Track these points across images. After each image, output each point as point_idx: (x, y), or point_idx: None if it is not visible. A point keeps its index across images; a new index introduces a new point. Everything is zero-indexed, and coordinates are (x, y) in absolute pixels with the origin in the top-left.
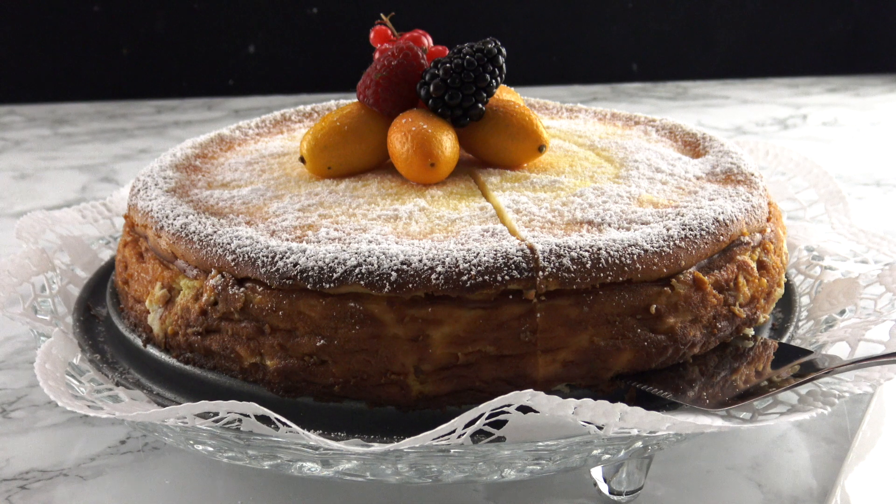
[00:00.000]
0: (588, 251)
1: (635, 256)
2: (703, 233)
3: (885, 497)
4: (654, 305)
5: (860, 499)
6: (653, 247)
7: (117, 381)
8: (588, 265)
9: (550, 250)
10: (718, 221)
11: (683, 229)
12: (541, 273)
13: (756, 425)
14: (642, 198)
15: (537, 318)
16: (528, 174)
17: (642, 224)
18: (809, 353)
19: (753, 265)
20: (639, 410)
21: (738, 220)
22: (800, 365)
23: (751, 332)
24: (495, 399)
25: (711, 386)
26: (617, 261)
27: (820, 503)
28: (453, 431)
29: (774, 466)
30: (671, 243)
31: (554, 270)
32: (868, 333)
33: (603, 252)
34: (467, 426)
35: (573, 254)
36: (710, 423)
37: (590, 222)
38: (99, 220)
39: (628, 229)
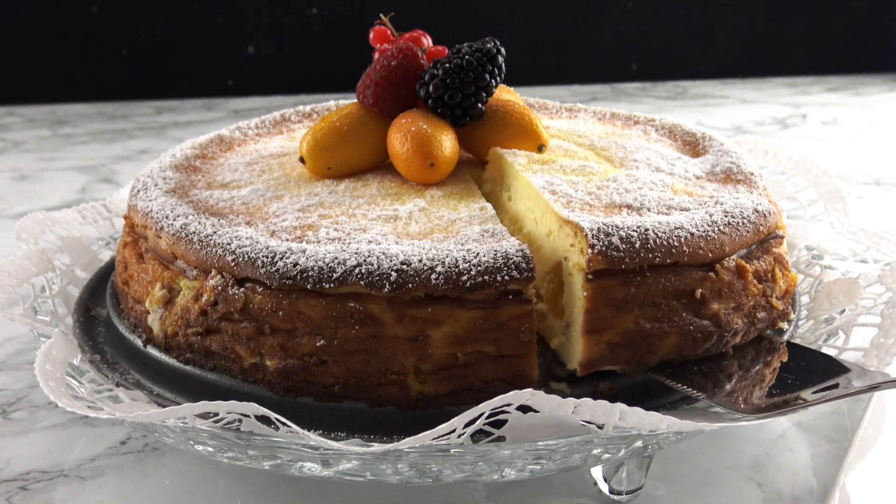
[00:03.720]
0: (636, 231)
1: (682, 239)
2: (745, 221)
3: (885, 496)
4: (700, 290)
5: (860, 498)
6: (698, 231)
7: (117, 382)
8: (637, 245)
9: (598, 228)
10: (758, 212)
11: (726, 216)
12: (590, 251)
13: (753, 423)
14: (676, 186)
15: (584, 296)
16: (556, 157)
17: (682, 210)
18: (846, 369)
19: (788, 259)
20: (638, 410)
21: (773, 212)
22: (835, 377)
23: (786, 325)
24: (495, 399)
25: (746, 379)
26: (665, 242)
27: (820, 502)
28: (453, 431)
29: (775, 465)
30: (716, 229)
31: (603, 249)
32: (861, 318)
33: (651, 233)
34: (467, 426)
35: (621, 233)
36: (708, 422)
37: (629, 206)
38: (99, 221)
39: (668, 214)
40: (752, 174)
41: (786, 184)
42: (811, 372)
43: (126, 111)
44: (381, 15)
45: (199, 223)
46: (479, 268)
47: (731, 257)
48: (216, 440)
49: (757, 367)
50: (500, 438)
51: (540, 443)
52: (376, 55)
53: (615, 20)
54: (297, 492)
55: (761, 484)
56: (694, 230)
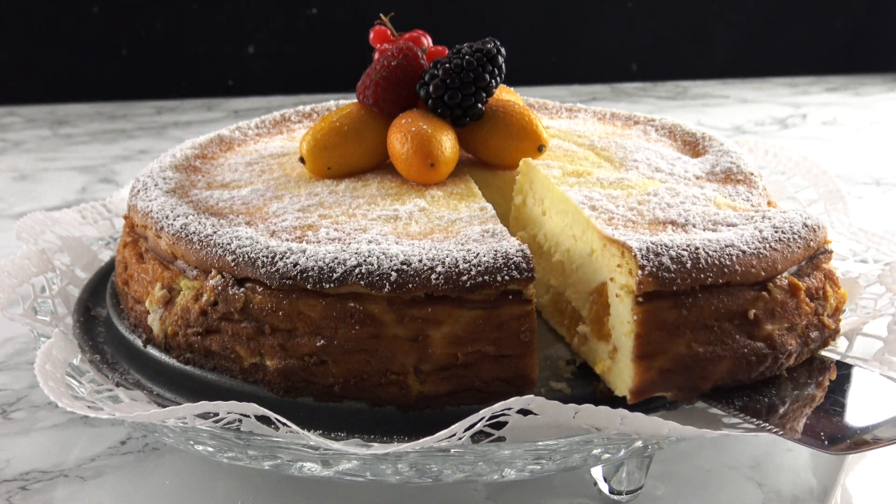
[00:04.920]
0: (686, 250)
1: (734, 257)
2: (796, 236)
3: (885, 496)
4: (753, 310)
5: (861, 498)
6: (750, 248)
7: (117, 382)
8: (688, 265)
9: (647, 248)
10: (807, 226)
11: (776, 232)
12: (639, 272)
13: (756, 434)
14: (718, 200)
15: (634, 319)
16: (591, 170)
17: (728, 226)
18: None
19: (838, 274)
20: (639, 416)
21: (822, 227)
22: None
23: (837, 345)
24: (496, 405)
25: (799, 400)
26: (716, 261)
27: (820, 502)
28: (453, 435)
29: (774, 466)
30: (767, 245)
31: (653, 269)
32: (866, 328)
33: (701, 252)
34: (467, 430)
35: (672, 252)
36: (709, 428)
37: (673, 222)
38: (99, 221)
39: (714, 230)
40: (752, 174)
41: (786, 184)
42: (865, 394)
43: (126, 111)
44: (381, 15)
45: (199, 223)
46: (479, 268)
47: (783, 275)
48: (216, 440)
49: (810, 390)
50: (501, 439)
51: (540, 443)
52: (376, 55)
53: (615, 20)
54: (297, 492)
55: (761, 484)
56: (745, 247)
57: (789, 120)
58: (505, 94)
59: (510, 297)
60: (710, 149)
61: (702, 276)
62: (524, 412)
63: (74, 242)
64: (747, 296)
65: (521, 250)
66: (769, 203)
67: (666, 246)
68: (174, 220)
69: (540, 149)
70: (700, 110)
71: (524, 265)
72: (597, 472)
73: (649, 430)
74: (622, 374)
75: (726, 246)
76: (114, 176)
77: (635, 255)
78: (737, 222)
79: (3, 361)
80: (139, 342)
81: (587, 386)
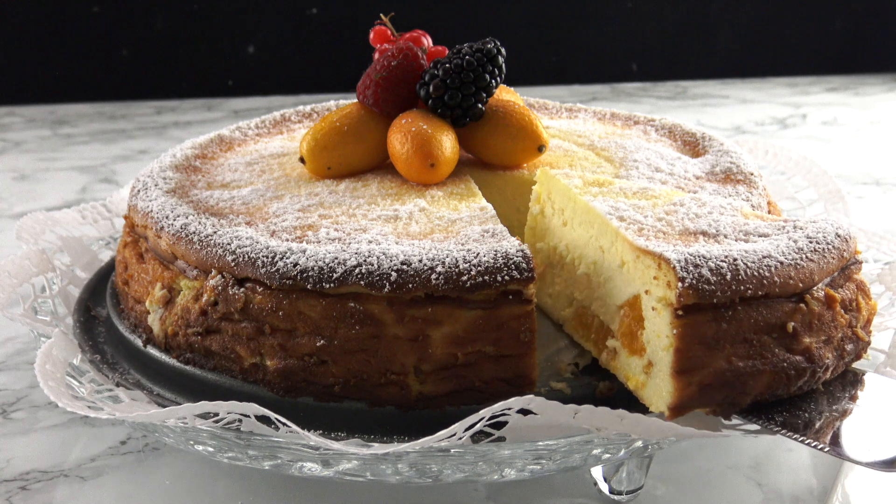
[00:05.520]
0: (725, 261)
1: (772, 269)
2: (830, 247)
3: (885, 496)
4: (791, 323)
5: (860, 498)
6: (787, 259)
7: (117, 382)
8: (728, 277)
9: (686, 260)
10: (839, 236)
11: (811, 242)
12: (679, 285)
13: (757, 436)
14: (745, 210)
15: (673, 334)
16: (613, 180)
17: (760, 236)
18: None
19: (869, 285)
20: (641, 417)
21: (853, 236)
22: None
23: (869, 357)
24: (496, 405)
25: (837, 414)
26: (755, 273)
27: (820, 502)
28: (453, 435)
29: (774, 465)
30: (803, 256)
31: (693, 282)
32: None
33: (740, 263)
34: (467, 430)
35: (710, 264)
36: (709, 430)
37: (704, 233)
38: (99, 221)
39: (746, 241)
40: (752, 174)
41: (786, 184)
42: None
43: (126, 111)
44: (382, 15)
45: (200, 223)
46: (479, 268)
47: (819, 286)
48: (216, 440)
49: (844, 404)
50: (501, 439)
51: (540, 443)
52: (376, 55)
53: (615, 20)
54: (297, 492)
55: (761, 484)
56: (782, 258)
57: (789, 120)
58: (505, 94)
59: (510, 297)
60: (710, 149)
61: (741, 287)
62: (524, 412)
63: (74, 242)
64: (785, 308)
65: (521, 250)
66: (769, 203)
67: (704, 257)
68: (174, 220)
69: (540, 149)
70: (700, 110)
71: (524, 265)
72: (597, 472)
73: (650, 433)
74: (659, 390)
75: (764, 257)
76: (114, 176)
77: (674, 267)
78: (768, 232)
79: (3, 361)
80: (139, 342)
81: (587, 386)
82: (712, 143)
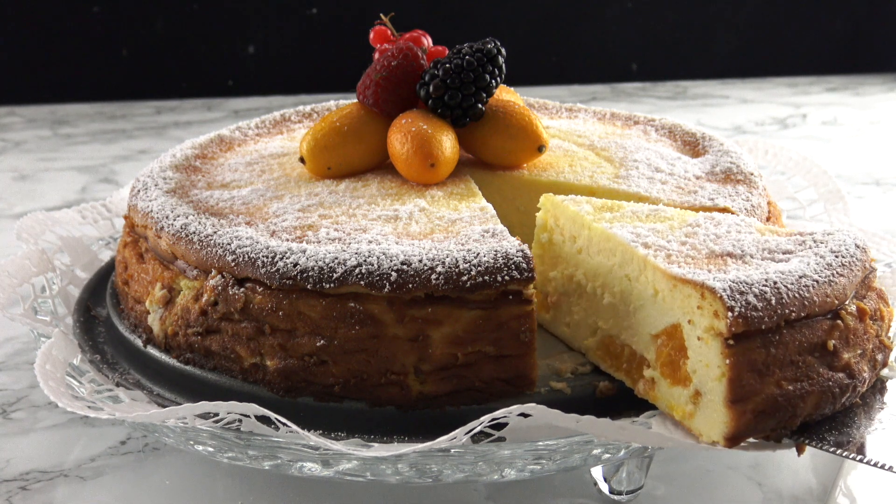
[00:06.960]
0: (767, 286)
1: (810, 288)
2: (854, 259)
3: (885, 496)
4: (832, 341)
5: (861, 497)
6: (822, 277)
7: (117, 382)
8: (773, 301)
9: (731, 287)
10: (858, 247)
11: (836, 257)
12: (729, 314)
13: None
14: (756, 225)
15: (726, 364)
16: (622, 203)
17: (784, 253)
18: None
19: (887, 292)
20: (641, 429)
21: (867, 245)
22: None
23: (893, 364)
24: (498, 411)
25: (871, 423)
26: (797, 294)
27: (821, 502)
28: (454, 438)
29: (774, 465)
30: (834, 273)
31: (742, 310)
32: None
33: (781, 286)
34: (467, 433)
35: (755, 290)
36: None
37: (730, 254)
38: (99, 221)
39: (773, 259)
40: (752, 174)
41: (786, 184)
42: None
43: (126, 111)
44: (382, 15)
45: (200, 223)
46: (479, 268)
47: (849, 300)
48: (216, 440)
49: (882, 414)
50: (501, 439)
51: (540, 443)
52: (376, 55)
53: (615, 20)
54: (297, 492)
55: (761, 484)
56: (817, 277)
57: (789, 120)
58: (505, 94)
59: (510, 297)
60: (710, 149)
61: (786, 311)
62: (524, 414)
63: (74, 242)
64: (824, 326)
65: (521, 250)
66: (769, 203)
67: (747, 283)
68: (174, 220)
69: (540, 149)
70: (700, 110)
71: (524, 265)
72: (597, 472)
73: (652, 443)
74: (711, 420)
75: (800, 277)
76: (114, 176)
77: (721, 297)
78: (790, 248)
79: (3, 361)
80: (139, 342)
81: (588, 386)
82: (712, 143)
